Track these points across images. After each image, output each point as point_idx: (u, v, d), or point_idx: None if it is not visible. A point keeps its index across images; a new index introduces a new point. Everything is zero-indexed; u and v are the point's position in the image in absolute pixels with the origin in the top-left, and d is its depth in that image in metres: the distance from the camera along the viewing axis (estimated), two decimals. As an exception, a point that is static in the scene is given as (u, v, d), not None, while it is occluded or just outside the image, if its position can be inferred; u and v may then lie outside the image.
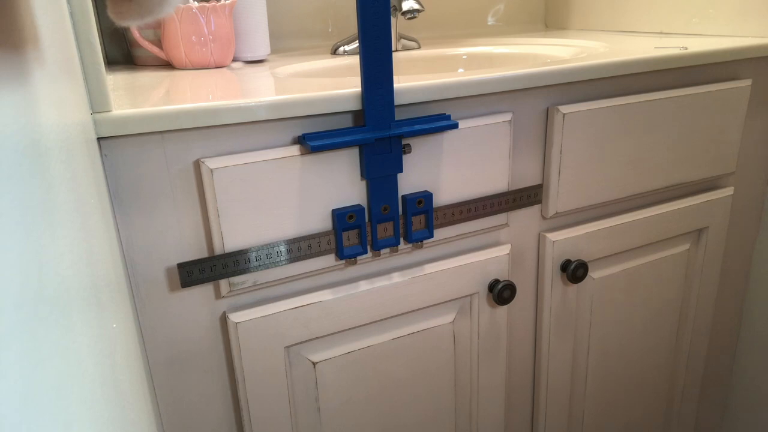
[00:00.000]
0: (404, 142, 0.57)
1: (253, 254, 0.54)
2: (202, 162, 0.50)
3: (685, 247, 0.82)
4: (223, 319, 0.57)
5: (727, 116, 0.77)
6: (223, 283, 0.55)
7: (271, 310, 0.57)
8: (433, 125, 0.57)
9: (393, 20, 0.90)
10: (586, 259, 0.72)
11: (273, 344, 0.58)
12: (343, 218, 0.57)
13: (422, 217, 0.61)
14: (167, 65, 0.81)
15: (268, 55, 0.86)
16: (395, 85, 0.54)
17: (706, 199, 0.80)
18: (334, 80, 0.61)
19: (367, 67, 0.52)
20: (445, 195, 0.62)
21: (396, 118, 0.55)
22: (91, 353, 0.28)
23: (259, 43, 0.83)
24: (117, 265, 0.46)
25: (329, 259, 0.59)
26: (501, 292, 0.66)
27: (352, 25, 1.02)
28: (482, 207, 0.64)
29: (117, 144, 0.48)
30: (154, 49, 0.77)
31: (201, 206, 0.53)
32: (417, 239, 0.61)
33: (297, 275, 0.58)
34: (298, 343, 0.60)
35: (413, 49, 0.96)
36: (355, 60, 0.86)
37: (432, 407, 0.71)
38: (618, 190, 0.73)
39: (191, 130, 0.50)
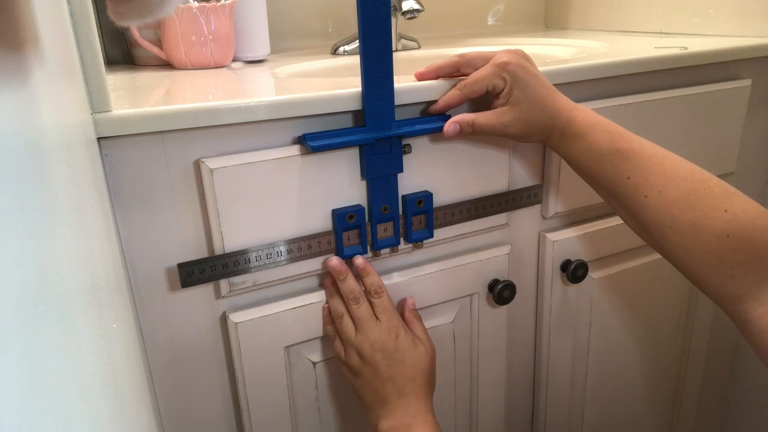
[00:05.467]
0: (404, 142, 0.57)
1: (253, 254, 0.54)
2: (202, 162, 0.50)
3: (685, 247, 0.82)
4: (223, 319, 0.57)
5: (727, 116, 0.77)
6: (223, 283, 0.55)
7: (271, 310, 0.57)
8: (433, 125, 0.57)
9: (393, 20, 0.90)
10: (586, 259, 0.72)
11: (273, 344, 0.58)
12: (344, 218, 0.57)
13: (422, 217, 0.61)
14: (167, 65, 0.81)
15: (268, 55, 0.86)
16: (395, 85, 0.54)
17: (706, 199, 0.80)
18: (334, 80, 0.61)
19: (367, 67, 0.52)
20: (445, 195, 0.62)
21: (396, 118, 0.55)
22: (92, 353, 0.29)
23: (259, 43, 0.83)
24: (117, 265, 0.46)
25: (329, 259, 0.59)
26: (501, 292, 0.66)
27: (352, 25, 1.02)
28: (482, 207, 0.64)
29: (117, 144, 0.48)
30: (154, 49, 0.77)
31: (201, 206, 0.53)
32: (417, 239, 0.61)
33: (297, 275, 0.58)
34: (298, 343, 0.60)
35: (413, 49, 0.96)
36: (355, 60, 0.86)
37: (432, 407, 0.71)
38: (618, 190, 0.72)
39: (191, 130, 0.50)
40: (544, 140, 0.57)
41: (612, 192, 0.54)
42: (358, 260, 0.58)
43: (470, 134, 0.56)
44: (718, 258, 0.48)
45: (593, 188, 0.58)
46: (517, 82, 0.54)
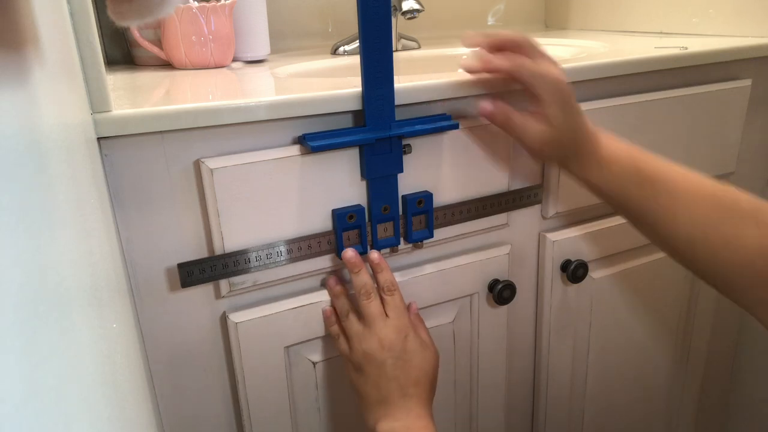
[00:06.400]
0: (404, 142, 0.57)
1: (253, 254, 0.54)
2: (202, 162, 0.50)
3: (685, 247, 0.82)
4: (223, 319, 0.57)
5: (727, 116, 0.77)
6: (223, 283, 0.55)
7: (271, 310, 0.57)
8: (433, 125, 0.57)
9: (393, 20, 0.90)
10: (586, 259, 0.72)
11: (273, 344, 0.58)
12: (344, 218, 0.57)
13: (422, 217, 0.61)
14: (167, 65, 0.81)
15: (268, 55, 0.86)
16: (395, 85, 0.54)
17: (706, 199, 0.80)
18: (334, 80, 0.61)
19: (367, 67, 0.52)
20: (445, 195, 0.62)
21: (396, 118, 0.55)
22: (91, 353, 0.29)
23: (259, 43, 0.83)
24: (117, 265, 0.46)
25: (329, 259, 0.59)
26: (501, 292, 0.66)
27: (352, 25, 1.02)
28: (482, 207, 0.64)
29: (117, 144, 0.48)
30: (154, 49, 0.77)
31: (201, 206, 0.53)
32: (417, 239, 0.61)
33: (297, 275, 0.58)
34: (298, 343, 0.60)
35: (413, 49, 0.96)
36: (355, 60, 0.86)
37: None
38: (618, 190, 0.72)
39: (191, 130, 0.50)
40: (561, 162, 0.57)
41: (637, 214, 0.54)
42: (374, 254, 0.57)
43: (498, 124, 0.55)
44: (756, 271, 0.48)
45: (616, 212, 0.57)
46: (562, 102, 0.52)
